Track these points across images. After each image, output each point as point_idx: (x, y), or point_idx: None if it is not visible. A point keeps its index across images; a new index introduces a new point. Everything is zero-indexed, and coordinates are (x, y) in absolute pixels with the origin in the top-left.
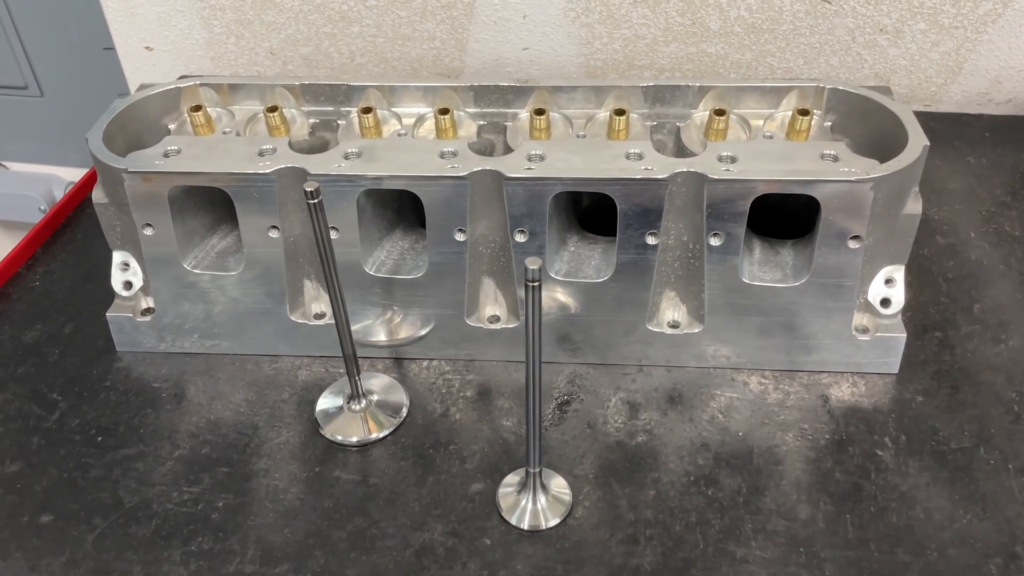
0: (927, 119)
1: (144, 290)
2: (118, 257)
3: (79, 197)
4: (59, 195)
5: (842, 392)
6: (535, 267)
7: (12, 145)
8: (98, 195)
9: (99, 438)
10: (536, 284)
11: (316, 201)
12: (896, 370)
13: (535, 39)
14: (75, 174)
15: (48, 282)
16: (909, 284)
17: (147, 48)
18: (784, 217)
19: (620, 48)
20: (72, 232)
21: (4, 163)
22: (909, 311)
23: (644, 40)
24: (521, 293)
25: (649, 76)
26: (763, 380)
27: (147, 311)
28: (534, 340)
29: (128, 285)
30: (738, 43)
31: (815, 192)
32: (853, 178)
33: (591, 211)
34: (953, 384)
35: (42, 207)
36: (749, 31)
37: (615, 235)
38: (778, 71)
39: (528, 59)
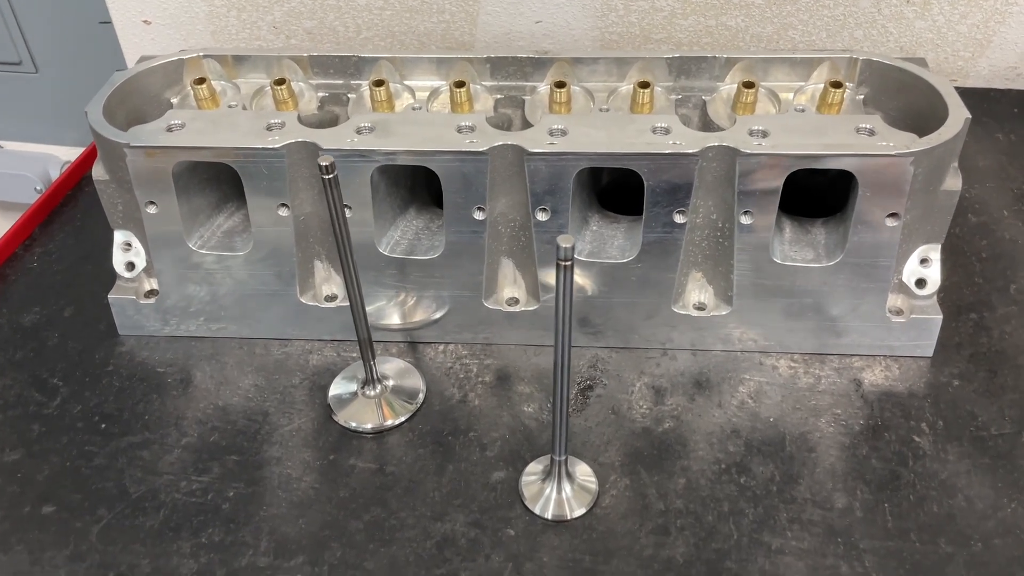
0: None
1: (147, 271)
2: (120, 237)
3: (78, 175)
4: (55, 175)
5: (875, 376)
6: (568, 245)
7: (6, 123)
8: (98, 172)
9: (102, 425)
10: (569, 264)
11: (331, 176)
12: (931, 353)
13: (548, 11)
14: (71, 153)
15: (47, 263)
16: (942, 264)
17: (145, 22)
18: (805, 197)
19: (636, 21)
20: (71, 211)
21: None
22: (942, 292)
23: (662, 12)
24: (542, 274)
25: (668, 49)
26: (792, 364)
27: (150, 293)
28: (565, 324)
29: (130, 266)
30: (759, 15)
31: (853, 167)
32: (894, 152)
33: (610, 189)
34: (991, 367)
35: (38, 187)
36: (771, 2)
37: (636, 214)
38: (800, 44)
39: (541, 32)
